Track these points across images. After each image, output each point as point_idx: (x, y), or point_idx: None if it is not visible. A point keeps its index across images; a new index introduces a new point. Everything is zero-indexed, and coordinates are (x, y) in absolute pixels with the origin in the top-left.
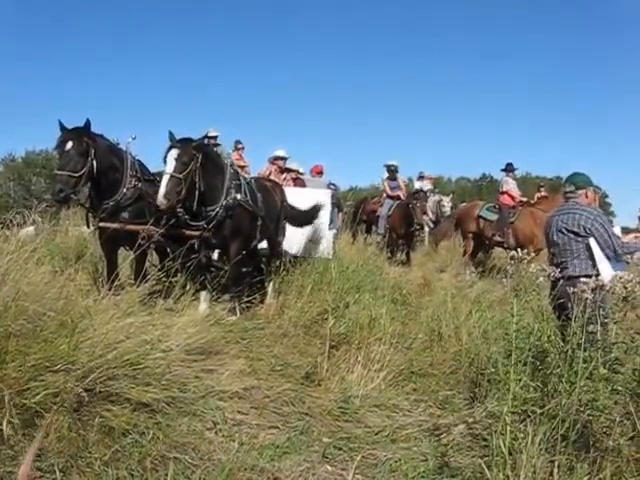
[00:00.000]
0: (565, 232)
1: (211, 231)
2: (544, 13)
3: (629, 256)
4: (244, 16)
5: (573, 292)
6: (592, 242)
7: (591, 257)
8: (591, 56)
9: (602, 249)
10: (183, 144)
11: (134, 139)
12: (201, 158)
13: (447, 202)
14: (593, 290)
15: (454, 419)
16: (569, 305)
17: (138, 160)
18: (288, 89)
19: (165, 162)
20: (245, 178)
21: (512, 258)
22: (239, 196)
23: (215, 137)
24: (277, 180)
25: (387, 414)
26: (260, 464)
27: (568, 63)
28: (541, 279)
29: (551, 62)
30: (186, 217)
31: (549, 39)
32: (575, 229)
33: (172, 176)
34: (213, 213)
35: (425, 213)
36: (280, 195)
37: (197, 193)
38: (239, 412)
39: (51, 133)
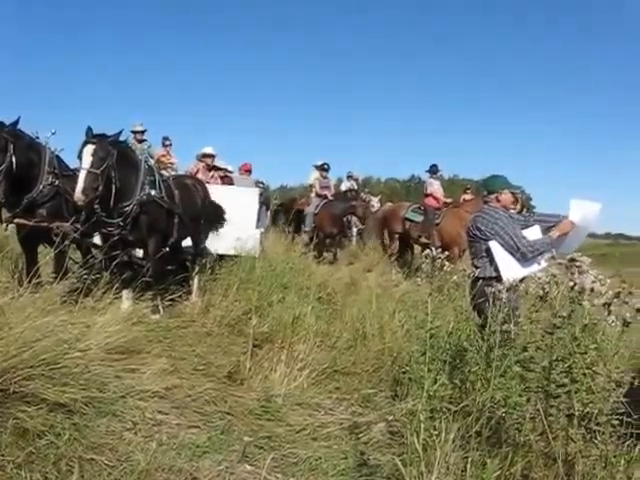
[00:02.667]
0: (471, 235)
1: (127, 228)
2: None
3: (540, 257)
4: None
5: (492, 292)
6: (492, 244)
7: (491, 259)
8: (520, 57)
9: (507, 250)
10: (99, 139)
11: (54, 134)
12: (116, 154)
13: (376, 202)
14: (507, 290)
15: (375, 417)
16: (485, 304)
17: (57, 156)
18: (219, 87)
19: (80, 158)
20: (162, 175)
21: (426, 257)
22: (153, 192)
23: (142, 132)
24: (205, 178)
25: (309, 413)
26: (178, 464)
27: (495, 65)
28: (455, 278)
29: (478, 64)
30: (102, 215)
31: (477, 40)
32: (476, 232)
33: (89, 172)
34: (127, 209)
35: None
36: (202, 193)
37: (114, 189)
38: (159, 412)
39: None
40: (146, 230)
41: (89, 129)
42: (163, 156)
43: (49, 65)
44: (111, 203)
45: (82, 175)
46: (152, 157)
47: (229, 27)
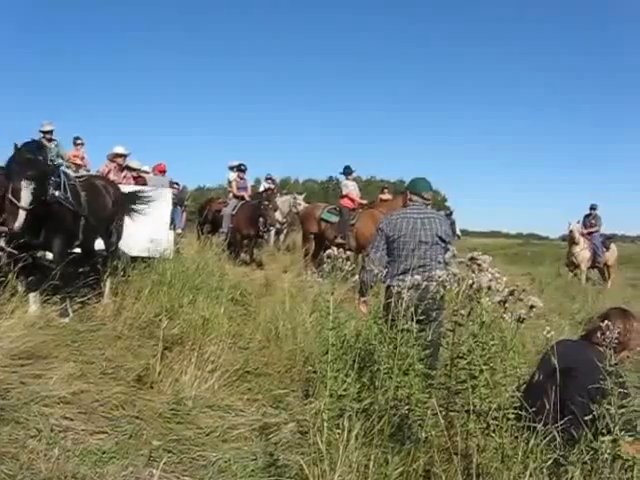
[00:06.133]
0: (435, 236)
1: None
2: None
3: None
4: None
5: (397, 291)
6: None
7: (444, 261)
8: (427, 59)
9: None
10: None
11: None
12: None
13: (301, 200)
14: (411, 288)
15: (286, 417)
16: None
17: None
18: (133, 86)
19: None
20: (68, 175)
21: (329, 257)
22: (57, 193)
23: (50, 132)
24: (117, 178)
25: (219, 414)
26: (82, 471)
27: (406, 67)
28: (356, 277)
29: (391, 65)
30: None
31: (399, 42)
32: (442, 235)
33: None
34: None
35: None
36: (114, 194)
37: None
38: (65, 418)
39: None
40: (51, 232)
41: None
42: (75, 156)
43: None
44: None
45: None
46: (61, 157)
47: (144, 24)
